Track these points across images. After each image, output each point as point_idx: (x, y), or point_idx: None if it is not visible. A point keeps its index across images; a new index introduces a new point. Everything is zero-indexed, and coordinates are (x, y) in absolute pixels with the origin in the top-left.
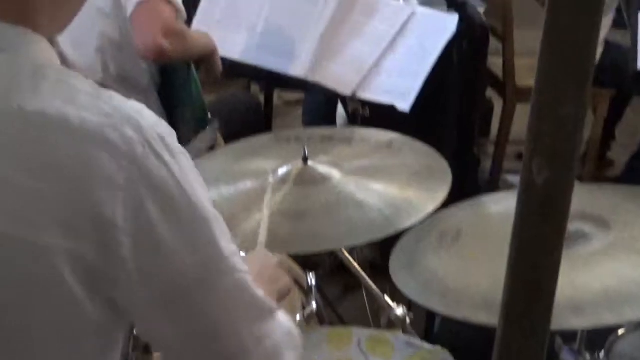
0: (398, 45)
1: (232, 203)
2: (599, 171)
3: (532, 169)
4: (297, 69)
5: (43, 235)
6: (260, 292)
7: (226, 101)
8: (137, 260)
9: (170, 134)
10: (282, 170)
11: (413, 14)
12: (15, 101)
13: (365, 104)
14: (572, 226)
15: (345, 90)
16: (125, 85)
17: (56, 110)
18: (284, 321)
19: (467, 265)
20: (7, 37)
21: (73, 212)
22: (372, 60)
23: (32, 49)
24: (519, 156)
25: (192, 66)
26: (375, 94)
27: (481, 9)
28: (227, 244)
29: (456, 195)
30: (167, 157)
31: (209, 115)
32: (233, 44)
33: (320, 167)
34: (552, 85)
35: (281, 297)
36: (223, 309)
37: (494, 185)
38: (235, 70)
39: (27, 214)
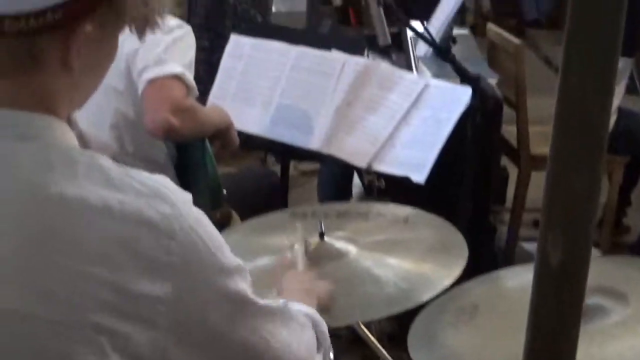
0: (412, 117)
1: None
2: (615, 237)
3: (548, 243)
4: (312, 143)
5: (85, 316)
6: (269, 302)
7: (242, 175)
8: (174, 323)
9: (191, 200)
10: (299, 246)
11: (427, 85)
12: (54, 188)
13: (380, 175)
14: (590, 300)
15: (361, 162)
16: (142, 161)
17: (95, 194)
18: (296, 309)
19: (484, 341)
20: (34, 125)
21: (115, 292)
22: (386, 132)
23: (57, 134)
24: (536, 223)
25: (207, 141)
26: (391, 166)
27: (494, 80)
28: (246, 285)
29: (473, 264)
30: (195, 225)
31: (224, 191)
32: (248, 118)
33: (337, 242)
34: (566, 157)
35: (325, 303)
36: (256, 336)
37: (510, 253)
38: (251, 142)
39: (70, 297)
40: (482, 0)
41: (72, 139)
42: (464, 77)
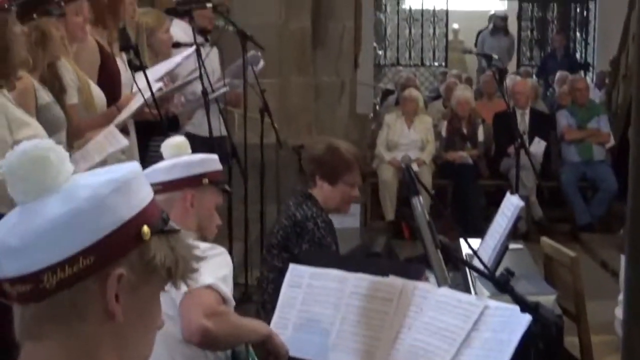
0: (473, 340)
1: None
2: None
3: None
4: None
5: None
6: None
7: None
8: None
9: None
10: None
11: (486, 307)
12: None
13: None
14: None
15: None
16: None
17: None
18: None
19: None
20: None
21: None
22: (448, 356)
23: None
24: None
25: (251, 349)
26: None
27: (552, 296)
28: None
29: None
30: None
31: None
32: (309, 345)
33: None
34: None
35: None
36: None
37: None
38: None
39: None
40: (534, 208)
41: None
42: (524, 306)
